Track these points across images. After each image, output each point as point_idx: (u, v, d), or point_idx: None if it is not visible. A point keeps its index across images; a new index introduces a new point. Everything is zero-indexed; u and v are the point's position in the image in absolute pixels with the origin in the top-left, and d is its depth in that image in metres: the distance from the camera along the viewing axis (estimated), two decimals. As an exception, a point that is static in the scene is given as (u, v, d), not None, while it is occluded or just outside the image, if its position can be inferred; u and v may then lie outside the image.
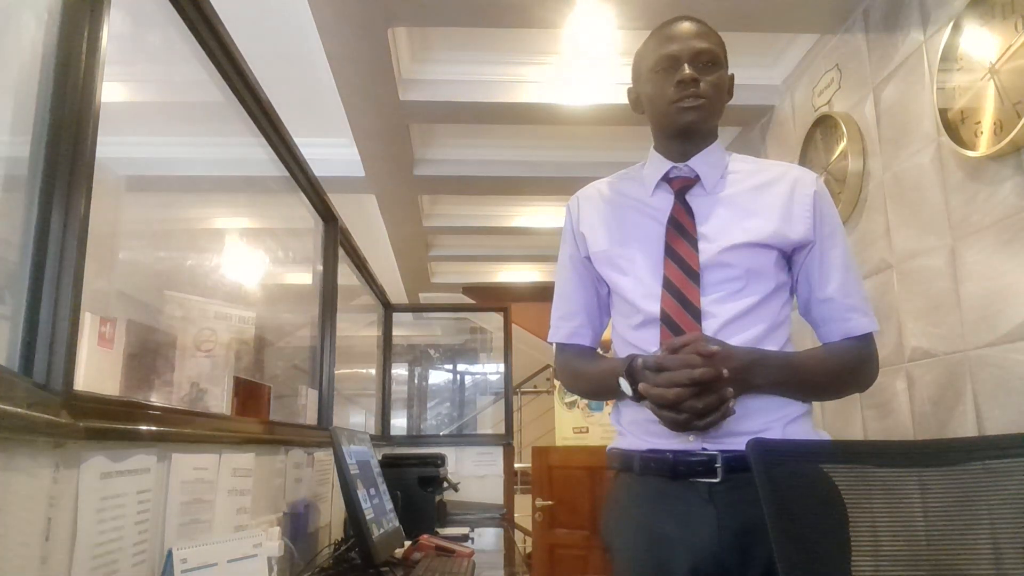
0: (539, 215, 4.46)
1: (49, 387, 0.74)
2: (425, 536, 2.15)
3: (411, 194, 3.82)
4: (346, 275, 2.68)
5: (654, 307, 1.16)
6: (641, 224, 1.23)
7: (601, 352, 1.39)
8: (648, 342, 1.16)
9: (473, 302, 5.92)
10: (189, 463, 1.08)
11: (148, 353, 1.53)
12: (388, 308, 3.57)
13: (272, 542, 1.22)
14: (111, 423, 0.87)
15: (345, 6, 2.20)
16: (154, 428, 0.98)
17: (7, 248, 0.76)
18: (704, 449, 1.10)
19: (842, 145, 2.27)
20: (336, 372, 2.28)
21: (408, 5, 2.24)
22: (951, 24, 1.76)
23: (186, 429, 1.11)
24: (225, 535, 1.19)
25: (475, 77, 2.79)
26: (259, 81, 1.52)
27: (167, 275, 1.88)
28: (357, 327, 3.95)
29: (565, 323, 1.33)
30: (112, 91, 0.90)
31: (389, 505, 2.05)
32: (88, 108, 0.82)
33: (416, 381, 5.72)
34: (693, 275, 1.15)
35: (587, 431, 3.72)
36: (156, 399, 1.51)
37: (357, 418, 4.53)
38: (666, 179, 1.24)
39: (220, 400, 1.60)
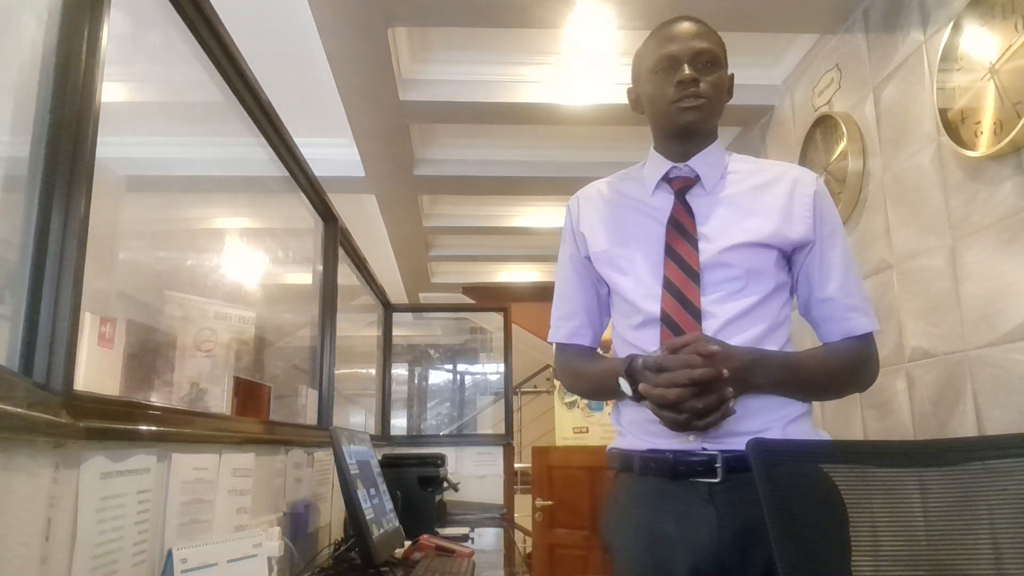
0: (539, 215, 4.46)
1: (49, 387, 0.74)
2: (425, 536, 2.15)
3: (411, 194, 3.82)
4: (346, 275, 2.68)
5: (654, 307, 1.16)
6: (641, 224, 1.23)
7: (601, 352, 1.40)
8: (648, 342, 1.16)
9: (473, 302, 5.92)
10: (189, 463, 1.08)
11: (148, 353, 1.53)
12: (388, 308, 3.57)
13: (272, 542, 1.22)
14: (111, 423, 0.87)
15: (345, 6, 2.20)
16: (154, 428, 0.98)
17: (7, 248, 0.76)
18: (704, 449, 1.10)
19: (842, 145, 2.27)
20: (336, 372, 2.28)
21: (408, 5, 2.24)
22: (951, 24, 1.76)
23: (186, 429, 1.11)
24: (225, 535, 1.19)
25: (475, 77, 2.79)
26: (259, 81, 1.52)
27: (167, 275, 1.88)
28: (357, 327, 3.95)
29: (565, 323, 1.33)
30: (112, 91, 0.90)
31: (389, 505, 2.05)
32: (88, 108, 0.82)
33: (416, 381, 5.72)
34: (693, 275, 1.15)
35: (587, 431, 3.72)
36: (156, 399, 1.51)
37: (357, 418, 4.53)
38: (666, 179, 1.24)
39: (220, 400, 1.60)
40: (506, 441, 3.43)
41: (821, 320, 1.21)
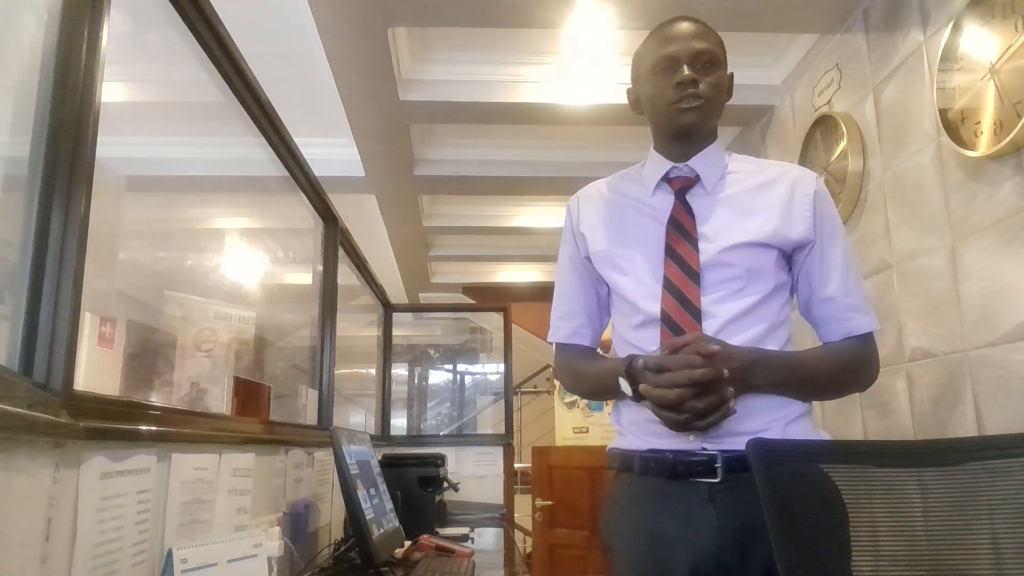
0: (539, 215, 4.46)
1: (49, 387, 0.74)
2: (425, 536, 2.15)
3: (411, 194, 3.82)
4: (346, 275, 2.68)
5: (654, 307, 1.16)
6: (641, 224, 1.23)
7: (601, 352, 1.39)
8: (648, 342, 1.16)
9: (473, 302, 5.92)
10: (189, 463, 1.08)
11: (148, 353, 1.53)
12: (388, 308, 3.57)
13: (272, 542, 1.22)
14: (111, 423, 0.87)
15: (345, 6, 2.20)
16: (154, 428, 0.98)
17: (7, 248, 0.76)
18: (704, 449, 1.10)
19: (842, 145, 2.27)
20: (336, 372, 2.28)
21: (408, 5, 2.24)
22: (951, 24, 1.76)
23: (186, 429, 1.11)
24: (225, 535, 1.19)
25: (475, 77, 2.79)
26: (259, 81, 1.52)
27: (167, 275, 1.88)
28: (357, 327, 3.95)
29: (565, 323, 1.33)
30: (112, 91, 0.90)
31: (389, 505, 2.05)
32: (88, 108, 0.82)
33: (416, 381, 5.72)
34: (693, 275, 1.15)
35: (587, 431, 3.72)
36: (156, 399, 1.51)
37: (357, 418, 4.53)
38: (666, 179, 1.24)
39: (220, 400, 1.60)
40: (506, 441, 3.43)
41: (821, 320, 1.21)
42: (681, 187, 1.23)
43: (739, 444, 1.00)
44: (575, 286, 1.32)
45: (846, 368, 1.19)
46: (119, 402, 0.96)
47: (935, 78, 1.82)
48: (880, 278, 2.09)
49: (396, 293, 5.49)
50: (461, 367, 6.10)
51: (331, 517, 2.10)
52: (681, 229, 1.19)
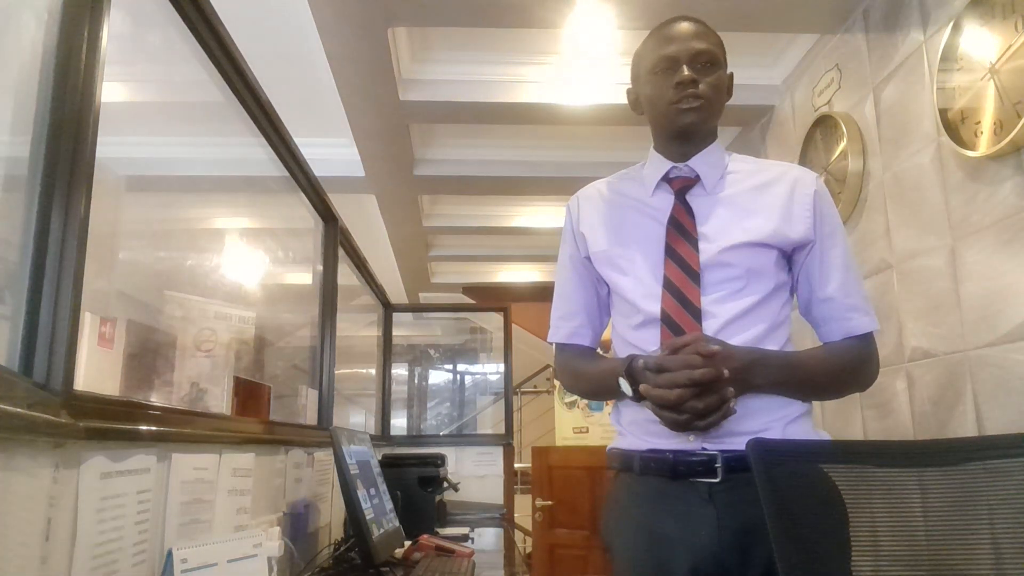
0: (539, 215, 4.46)
1: (49, 387, 0.74)
2: (425, 536, 2.15)
3: (411, 194, 3.82)
4: (346, 275, 2.68)
5: (654, 307, 1.16)
6: (641, 224, 1.23)
7: (601, 352, 1.39)
8: (648, 342, 1.16)
9: (473, 302, 5.92)
10: (189, 463, 1.08)
11: (148, 353, 1.53)
12: (388, 308, 3.57)
13: (272, 542, 1.22)
14: (111, 423, 0.87)
15: (345, 6, 2.20)
16: (154, 428, 0.98)
17: (7, 248, 0.76)
18: (704, 449, 1.10)
19: (842, 145, 2.27)
20: (336, 372, 2.28)
21: (408, 5, 2.24)
22: (951, 24, 1.76)
23: (186, 429, 1.11)
24: (225, 535, 1.19)
25: (475, 77, 2.79)
26: (259, 81, 1.52)
27: (167, 275, 1.88)
28: (357, 327, 3.95)
29: (565, 323, 1.33)
30: (112, 91, 0.90)
31: (389, 505, 2.05)
32: (88, 108, 0.82)
33: (416, 381, 5.72)
34: (693, 275, 1.15)
35: (587, 431, 3.72)
36: (156, 399, 1.52)
37: (357, 418, 4.53)
38: (666, 179, 1.24)
39: (220, 400, 1.60)
40: (506, 441, 3.43)
41: (821, 320, 1.21)
42: (681, 187, 1.23)
43: (739, 444, 1.00)
44: (575, 286, 1.32)
45: (846, 368, 1.19)
46: (119, 402, 0.96)
47: (935, 78, 1.82)
48: (880, 278, 2.09)
49: (396, 293, 5.50)
50: (461, 367, 6.10)
51: (331, 517, 2.10)
52: (681, 229, 1.19)
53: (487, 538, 2.68)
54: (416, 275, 5.41)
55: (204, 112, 2.13)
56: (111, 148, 0.94)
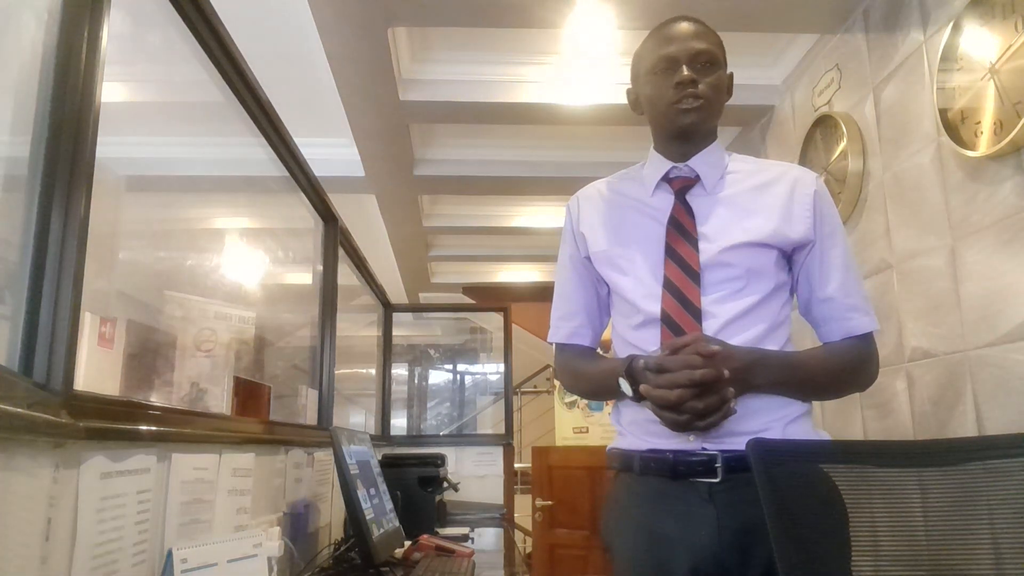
0: (539, 215, 4.46)
1: (49, 387, 0.74)
2: (425, 536, 2.15)
3: (411, 194, 3.82)
4: (346, 275, 2.68)
5: (654, 307, 1.16)
6: (641, 224, 1.23)
7: (601, 352, 1.39)
8: (648, 342, 1.16)
9: (473, 302, 5.92)
10: (189, 463, 1.08)
11: (148, 353, 1.53)
12: (388, 308, 3.57)
13: (272, 542, 1.22)
14: (111, 423, 0.87)
15: (345, 6, 2.20)
16: (154, 428, 0.98)
17: (7, 248, 0.76)
18: (704, 449, 1.10)
19: (842, 145, 2.27)
20: (336, 372, 2.28)
21: (408, 5, 2.24)
22: (951, 24, 1.76)
23: (186, 429, 1.11)
24: (225, 535, 1.19)
25: (475, 77, 2.79)
26: (259, 81, 1.52)
27: (167, 275, 1.88)
28: (357, 327, 3.95)
29: (565, 323, 1.33)
30: (112, 91, 0.90)
31: (389, 505, 2.05)
32: (88, 108, 0.82)
33: (416, 381, 5.72)
34: (693, 275, 1.15)
35: (587, 431, 3.72)
36: (156, 399, 1.51)
37: (357, 418, 4.53)
38: (666, 179, 1.24)
39: (220, 400, 1.60)
40: (506, 441, 3.43)
41: (821, 320, 1.21)
42: (681, 187, 1.23)
43: (739, 444, 1.00)
44: (575, 286, 1.32)
45: (846, 368, 1.19)
46: (119, 402, 0.96)
47: (935, 78, 1.82)
48: (880, 278, 2.09)
49: (396, 293, 5.49)
50: (461, 367, 6.10)
51: (331, 517, 2.10)
52: (681, 229, 1.19)
53: (487, 538, 2.68)
54: (416, 275, 5.41)
55: (204, 112, 2.13)
56: (111, 148, 0.94)
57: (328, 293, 2.25)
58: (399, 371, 5.28)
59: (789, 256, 1.21)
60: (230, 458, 1.23)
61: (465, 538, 2.44)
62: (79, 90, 0.81)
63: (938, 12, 1.88)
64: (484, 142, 3.47)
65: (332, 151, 3.31)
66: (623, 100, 1.33)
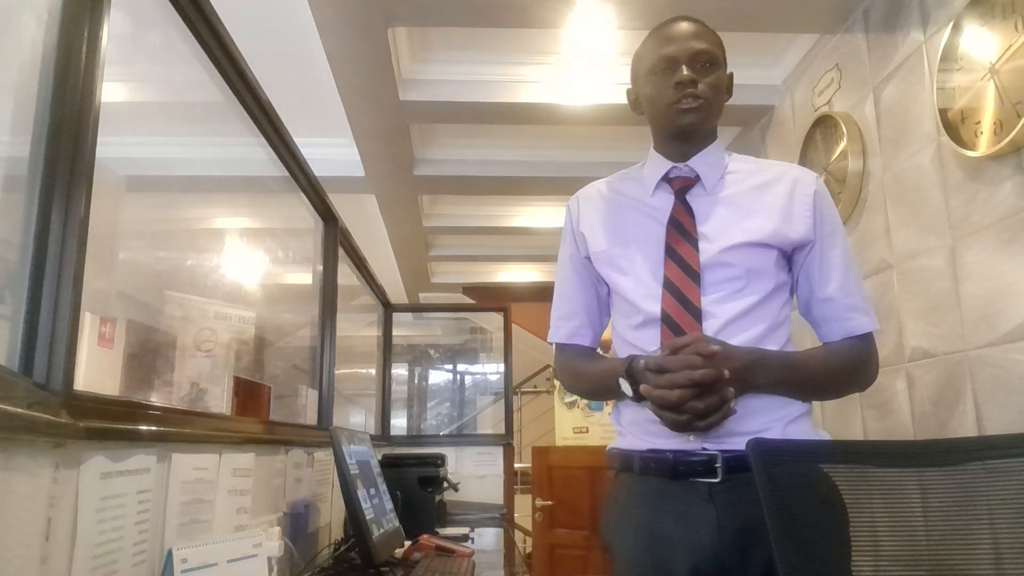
0: (539, 215, 4.46)
1: (49, 387, 0.74)
2: (425, 536, 2.15)
3: (411, 194, 3.82)
4: (346, 275, 2.68)
5: (654, 307, 1.16)
6: (641, 224, 1.23)
7: (601, 352, 1.39)
8: (648, 342, 1.16)
9: (473, 302, 5.92)
10: (189, 463, 1.08)
11: (148, 353, 1.53)
12: (388, 308, 3.57)
13: (272, 542, 1.22)
14: (111, 423, 0.87)
15: (345, 6, 2.20)
16: (154, 428, 0.98)
17: (7, 248, 0.76)
18: (704, 449, 1.10)
19: (842, 145, 2.27)
20: (336, 372, 2.28)
21: (408, 5, 2.24)
22: (951, 24, 1.76)
23: (186, 429, 1.11)
24: (225, 535, 1.19)
25: (475, 77, 2.79)
26: (259, 81, 1.52)
27: (167, 275, 1.88)
28: (357, 327, 3.95)
29: (565, 323, 1.33)
30: (112, 91, 0.90)
31: (389, 505, 2.05)
32: (88, 108, 0.82)
33: (416, 381, 5.72)
34: (694, 275, 1.15)
35: (587, 431, 3.72)
36: (156, 399, 1.51)
37: (357, 418, 4.53)
38: (666, 179, 1.24)
39: (220, 400, 1.60)
40: (506, 441, 3.43)
41: (821, 320, 1.21)
42: (681, 187, 1.23)
43: (739, 444, 1.00)
44: (575, 286, 1.32)
45: (846, 368, 1.19)
46: (119, 402, 0.96)
47: (935, 78, 1.82)
48: (880, 278, 2.09)
49: (396, 293, 5.49)
50: (461, 367, 6.10)
51: (331, 517, 2.10)
52: (681, 229, 1.19)
53: (487, 538, 2.68)
54: (416, 275, 5.41)
55: (204, 112, 2.13)
56: (111, 148, 0.94)
57: (328, 293, 2.25)
58: (399, 371, 5.29)
59: (789, 256, 1.21)
60: (230, 458, 1.23)
61: (465, 538, 2.44)
62: (79, 90, 0.81)
63: (938, 12, 1.88)
64: (484, 142, 3.47)
65: (332, 151, 3.31)
66: (623, 100, 1.33)
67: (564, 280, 1.34)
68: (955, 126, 1.75)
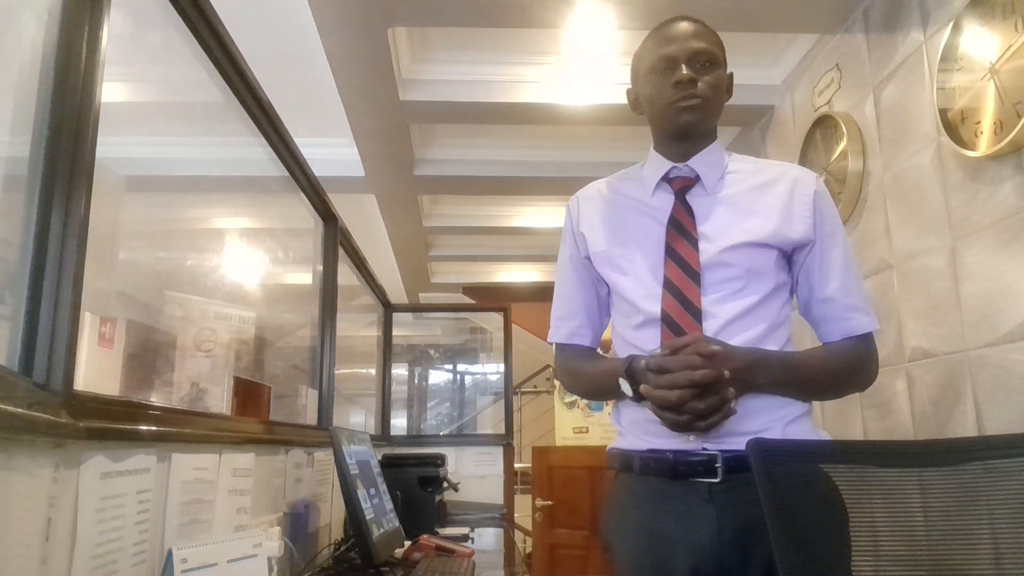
0: (539, 215, 4.46)
1: (49, 387, 0.74)
2: (425, 536, 2.15)
3: (411, 194, 3.82)
4: (346, 275, 2.68)
5: (655, 307, 1.16)
6: (641, 224, 1.23)
7: (601, 352, 1.39)
8: (648, 342, 1.16)
9: (473, 302, 5.92)
10: (189, 463, 1.08)
11: (148, 353, 1.53)
12: (388, 308, 3.57)
13: (272, 542, 1.22)
14: (111, 423, 0.87)
15: (345, 6, 2.20)
16: (154, 428, 0.98)
17: (7, 248, 0.76)
18: (704, 449, 1.10)
19: (842, 145, 2.27)
20: (336, 372, 2.28)
21: (408, 5, 2.24)
22: (951, 24, 1.76)
23: (186, 429, 1.11)
24: (225, 535, 1.19)
25: (475, 77, 2.79)
26: (259, 81, 1.52)
27: (167, 275, 1.88)
28: (357, 327, 3.95)
29: (565, 323, 1.33)
30: (112, 91, 0.90)
31: (389, 505, 2.05)
32: (88, 108, 0.82)
33: (416, 381, 5.72)
34: (694, 275, 1.15)
35: (587, 431, 3.72)
36: (156, 399, 1.51)
37: (357, 418, 4.53)
38: (666, 179, 1.24)
39: (220, 400, 1.59)
40: (506, 441, 3.43)
41: (821, 320, 1.21)
42: (681, 187, 1.23)
43: (739, 444, 1.00)
44: (575, 286, 1.32)
45: (846, 368, 1.19)
46: (119, 402, 0.96)
47: (935, 78, 1.82)
48: (880, 278, 2.09)
49: (396, 293, 5.49)
50: (461, 367, 6.10)
51: (331, 517, 2.10)
52: (681, 229, 1.19)
53: (487, 538, 2.68)
54: (416, 275, 5.41)
55: (204, 112, 2.13)
56: (111, 148, 0.94)
57: (328, 293, 2.25)
58: (399, 371, 5.29)
59: (789, 256, 1.21)
60: (230, 458, 1.23)
61: (465, 538, 2.44)
62: (79, 90, 0.81)
63: (938, 12, 1.88)
64: (484, 142, 3.47)
65: (332, 151, 3.31)
66: (623, 100, 1.33)
67: (564, 280, 1.34)
68: (955, 126, 1.75)
